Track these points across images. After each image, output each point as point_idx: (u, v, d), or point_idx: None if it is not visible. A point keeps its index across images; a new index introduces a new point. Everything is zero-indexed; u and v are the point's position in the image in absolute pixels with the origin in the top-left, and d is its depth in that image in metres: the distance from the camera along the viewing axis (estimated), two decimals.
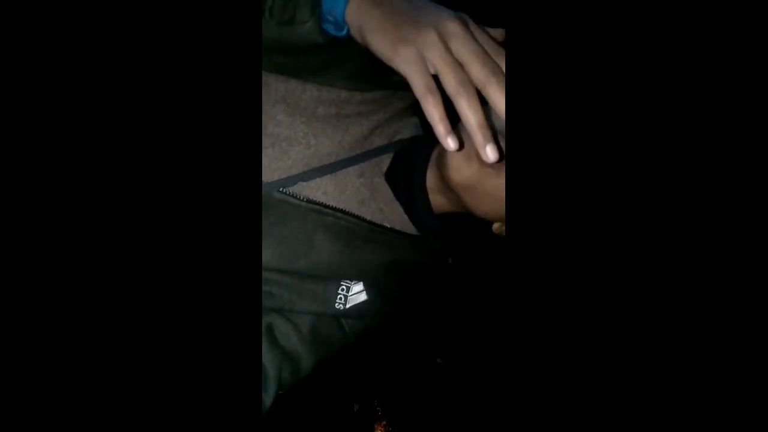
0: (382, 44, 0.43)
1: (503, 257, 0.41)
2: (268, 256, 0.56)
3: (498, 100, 0.40)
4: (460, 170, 0.54)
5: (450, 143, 0.40)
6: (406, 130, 0.64)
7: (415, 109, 0.65)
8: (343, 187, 0.58)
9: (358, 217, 0.59)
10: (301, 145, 0.57)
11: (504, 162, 0.49)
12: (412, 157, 0.60)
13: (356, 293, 0.61)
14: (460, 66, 0.41)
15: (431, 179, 0.59)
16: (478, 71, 0.40)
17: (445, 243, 0.64)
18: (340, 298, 0.59)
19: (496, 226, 0.61)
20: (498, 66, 0.41)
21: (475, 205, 0.57)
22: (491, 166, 0.48)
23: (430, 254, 0.64)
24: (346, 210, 0.58)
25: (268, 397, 0.58)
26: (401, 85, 0.57)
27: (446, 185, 0.57)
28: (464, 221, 0.63)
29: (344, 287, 0.59)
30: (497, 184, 0.53)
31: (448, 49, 0.41)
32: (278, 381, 0.58)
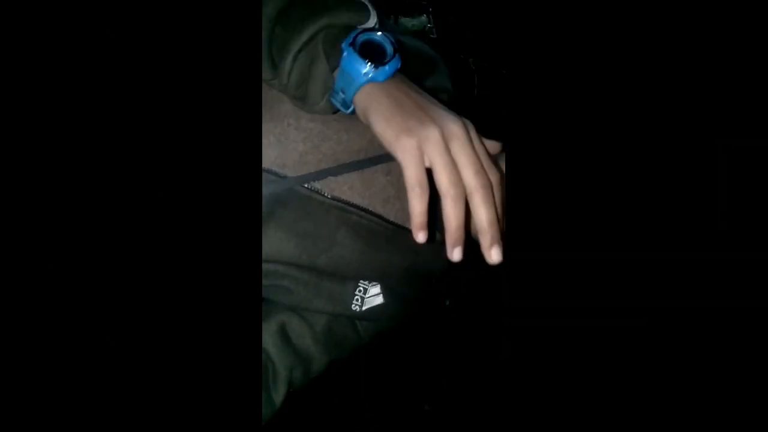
0: (385, 130, 0.45)
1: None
2: (290, 249, 0.56)
3: (480, 210, 0.43)
4: None
5: (420, 236, 0.44)
6: None
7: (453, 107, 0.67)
8: (370, 184, 0.58)
9: (381, 217, 0.59)
10: (332, 141, 0.57)
11: None
12: None
13: (373, 295, 0.60)
14: (455, 167, 0.44)
15: None
16: (470, 177, 0.43)
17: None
18: (357, 300, 0.59)
19: None
20: (488, 179, 0.44)
21: None
22: None
23: (447, 261, 0.64)
24: (370, 209, 0.58)
25: (278, 396, 0.57)
26: (439, 87, 0.63)
27: None
28: None
29: (361, 288, 0.59)
30: None
31: (447, 149, 0.43)
32: (289, 381, 0.57)
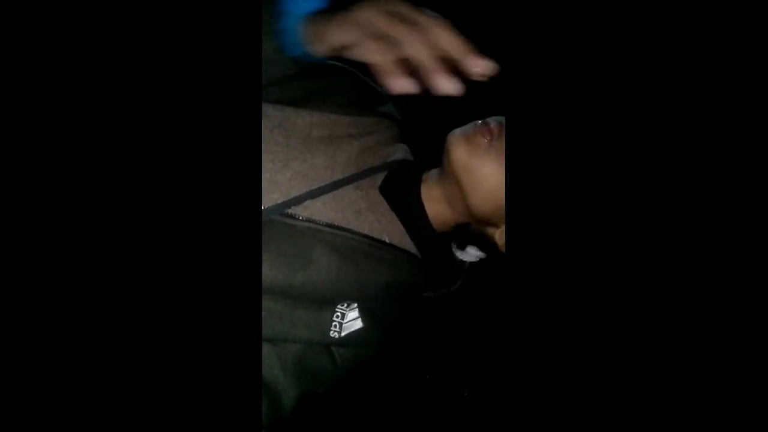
0: (333, 34, 0.42)
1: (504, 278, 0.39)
2: (265, 271, 0.52)
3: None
4: (460, 149, 0.57)
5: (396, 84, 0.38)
6: (398, 153, 0.65)
7: (402, 136, 0.69)
8: (341, 199, 0.57)
9: (355, 232, 0.56)
10: (298, 160, 0.57)
11: (502, 150, 0.55)
12: (406, 173, 0.63)
13: (351, 320, 0.54)
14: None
15: (427, 190, 0.62)
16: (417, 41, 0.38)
17: (442, 259, 0.64)
18: (335, 326, 0.54)
19: (497, 236, 0.61)
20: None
21: (472, 192, 0.58)
22: (490, 146, 0.56)
23: (428, 275, 0.61)
24: (343, 226, 0.56)
25: None
26: (387, 115, 0.67)
27: (446, 172, 0.60)
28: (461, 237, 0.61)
29: (339, 313, 0.54)
30: (494, 171, 0.56)
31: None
32: None
